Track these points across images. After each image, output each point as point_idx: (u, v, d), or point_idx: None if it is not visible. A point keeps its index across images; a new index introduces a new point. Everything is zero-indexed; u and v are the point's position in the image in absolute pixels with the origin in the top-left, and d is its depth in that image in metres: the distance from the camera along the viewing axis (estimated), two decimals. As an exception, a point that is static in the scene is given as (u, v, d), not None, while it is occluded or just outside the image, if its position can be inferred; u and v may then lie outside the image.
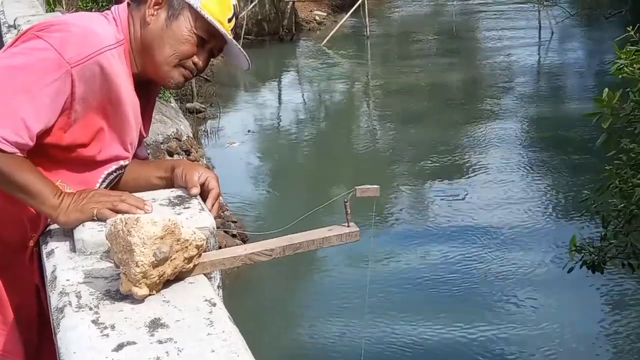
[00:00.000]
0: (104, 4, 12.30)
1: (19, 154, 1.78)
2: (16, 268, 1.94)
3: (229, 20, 1.98)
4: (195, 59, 1.99)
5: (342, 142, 13.68)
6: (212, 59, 2.08)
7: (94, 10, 11.77)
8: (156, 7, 1.95)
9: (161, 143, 11.13)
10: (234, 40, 2.01)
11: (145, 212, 1.79)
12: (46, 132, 1.85)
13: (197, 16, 1.94)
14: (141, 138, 2.09)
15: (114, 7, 2.00)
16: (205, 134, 13.89)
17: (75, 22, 1.87)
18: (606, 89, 4.20)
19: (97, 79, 1.84)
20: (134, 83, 1.96)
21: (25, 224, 1.89)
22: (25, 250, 1.91)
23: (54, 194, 1.80)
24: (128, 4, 2.01)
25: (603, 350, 6.84)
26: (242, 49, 2.04)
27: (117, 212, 1.77)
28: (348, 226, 1.83)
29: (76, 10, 12.14)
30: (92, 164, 1.95)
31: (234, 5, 2.00)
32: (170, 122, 11.83)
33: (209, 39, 1.98)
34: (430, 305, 7.54)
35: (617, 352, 6.85)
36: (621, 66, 4.17)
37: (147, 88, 2.07)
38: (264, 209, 10.46)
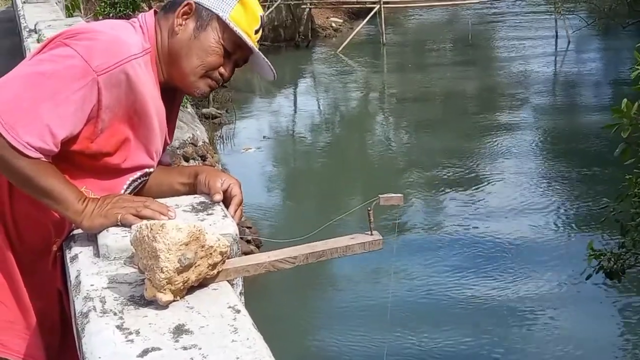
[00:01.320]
0: (121, 10, 12.37)
1: (44, 159, 1.79)
2: (40, 273, 1.95)
3: (256, 32, 1.99)
4: (222, 69, 1.99)
5: (357, 149, 13.68)
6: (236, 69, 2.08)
7: (112, 15, 11.84)
8: (185, 17, 1.96)
9: (177, 148, 11.16)
10: (260, 52, 2.01)
11: (169, 218, 1.80)
12: (72, 139, 1.85)
13: (225, 27, 1.95)
14: (165, 145, 2.10)
15: (141, 15, 2.00)
16: (221, 139, 13.93)
17: (103, 30, 1.87)
18: (625, 100, 4.20)
19: (123, 88, 1.84)
20: (160, 91, 1.97)
21: (50, 229, 1.90)
22: (48, 255, 1.92)
23: (78, 199, 1.81)
24: (155, 12, 2.01)
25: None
26: (267, 60, 2.05)
27: (141, 217, 1.78)
28: (371, 234, 1.82)
29: (94, 16, 12.22)
30: (118, 172, 1.95)
31: (261, 16, 2.01)
32: (186, 127, 11.87)
33: (234, 50, 1.99)
34: (447, 313, 7.53)
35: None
36: (641, 72, 4.15)
37: (173, 95, 2.08)
38: (278, 215, 10.47)
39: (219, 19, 1.95)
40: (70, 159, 1.87)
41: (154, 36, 1.96)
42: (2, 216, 1.93)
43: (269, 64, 2.05)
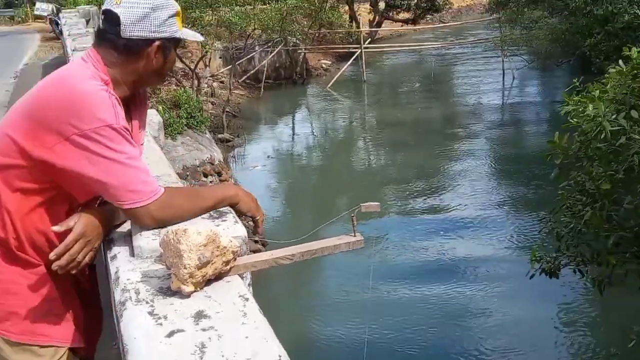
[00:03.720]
0: None
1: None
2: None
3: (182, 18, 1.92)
4: None
5: (343, 166, 13.70)
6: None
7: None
8: (157, 55, 1.86)
9: (198, 166, 11.16)
10: (186, 29, 1.92)
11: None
12: None
13: (179, 40, 1.90)
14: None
15: (85, 53, 1.88)
16: (234, 159, 13.93)
17: (85, 89, 1.73)
18: (557, 133, 4.16)
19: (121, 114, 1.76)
20: (126, 99, 1.89)
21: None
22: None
23: (224, 190, 1.92)
24: (93, 47, 1.88)
25: (556, 343, 6.71)
26: (193, 30, 2.00)
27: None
28: (354, 236, 1.82)
29: None
30: None
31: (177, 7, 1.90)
32: (205, 149, 11.86)
33: None
34: (413, 307, 7.50)
35: (568, 345, 6.74)
36: (569, 110, 4.11)
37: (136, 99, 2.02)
38: (280, 220, 10.46)
39: (176, 39, 1.88)
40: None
41: (105, 67, 1.83)
42: (25, 240, 1.81)
43: (194, 32, 1.99)
